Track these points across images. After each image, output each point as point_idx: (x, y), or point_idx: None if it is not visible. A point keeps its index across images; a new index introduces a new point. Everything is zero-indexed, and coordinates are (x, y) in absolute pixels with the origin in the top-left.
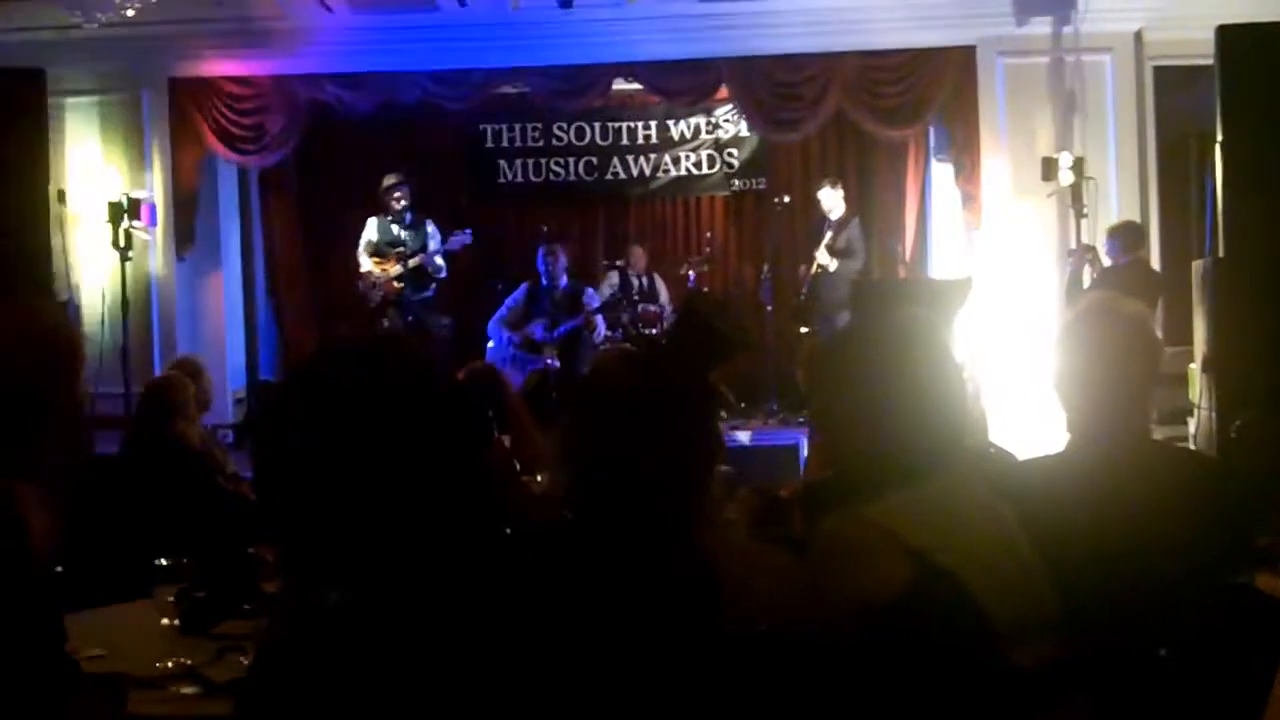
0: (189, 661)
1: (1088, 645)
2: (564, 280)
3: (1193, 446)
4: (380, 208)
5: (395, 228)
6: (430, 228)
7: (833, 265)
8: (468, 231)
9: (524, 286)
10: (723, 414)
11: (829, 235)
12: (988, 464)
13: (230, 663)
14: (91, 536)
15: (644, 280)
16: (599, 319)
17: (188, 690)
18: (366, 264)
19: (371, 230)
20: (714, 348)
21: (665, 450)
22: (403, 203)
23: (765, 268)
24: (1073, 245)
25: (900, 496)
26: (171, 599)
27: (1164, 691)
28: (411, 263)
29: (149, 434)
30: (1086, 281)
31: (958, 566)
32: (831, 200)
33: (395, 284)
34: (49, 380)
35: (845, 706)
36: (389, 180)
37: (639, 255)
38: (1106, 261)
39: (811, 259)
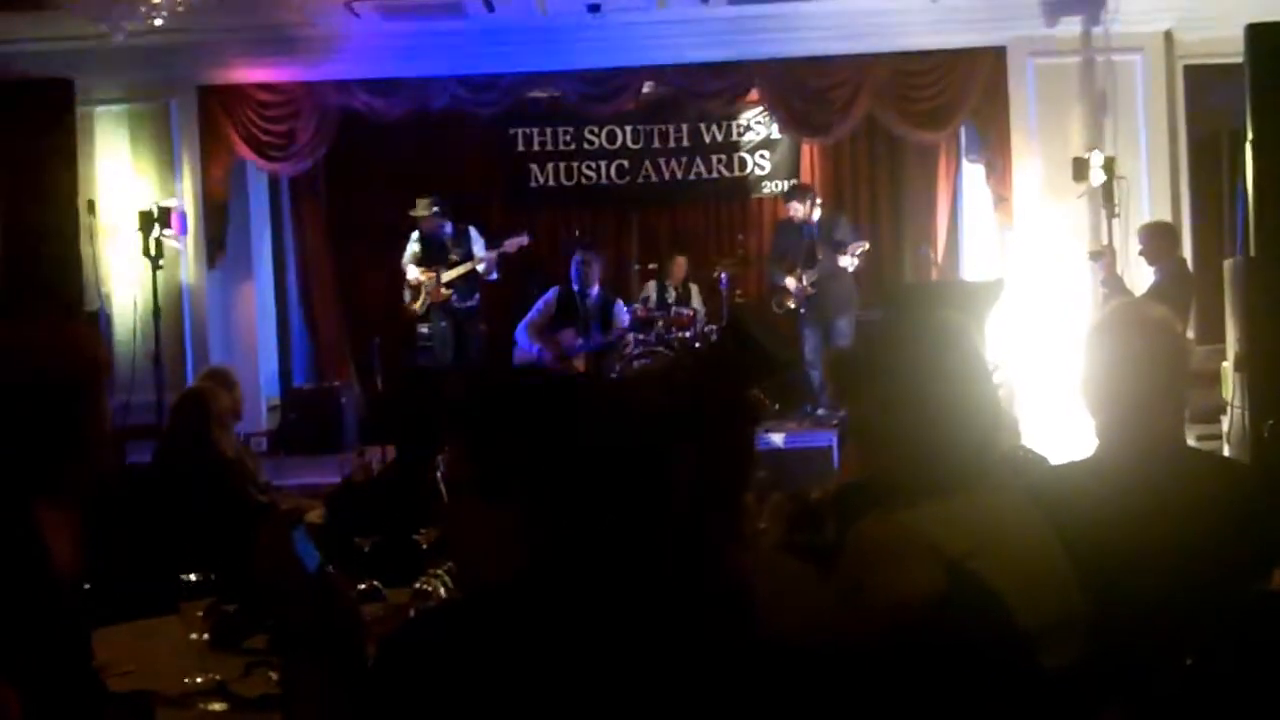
0: (218, 677)
1: (1117, 651)
2: (595, 290)
3: (1226, 445)
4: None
5: (440, 237)
6: (473, 233)
7: (853, 265)
8: (524, 234)
9: (553, 291)
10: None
11: (843, 238)
12: (1019, 468)
13: (259, 678)
14: (124, 548)
15: (680, 290)
16: (631, 337)
17: (216, 707)
18: (414, 273)
19: (415, 242)
20: (757, 365)
21: (701, 465)
22: (439, 220)
23: (797, 270)
24: (1102, 244)
25: (934, 504)
26: (200, 613)
27: (1192, 699)
28: (461, 269)
29: (182, 445)
30: (1125, 282)
31: (990, 573)
32: (803, 210)
33: (444, 290)
34: (72, 401)
35: (878, 713)
36: (424, 209)
37: (679, 266)
38: (1131, 262)
39: (794, 271)
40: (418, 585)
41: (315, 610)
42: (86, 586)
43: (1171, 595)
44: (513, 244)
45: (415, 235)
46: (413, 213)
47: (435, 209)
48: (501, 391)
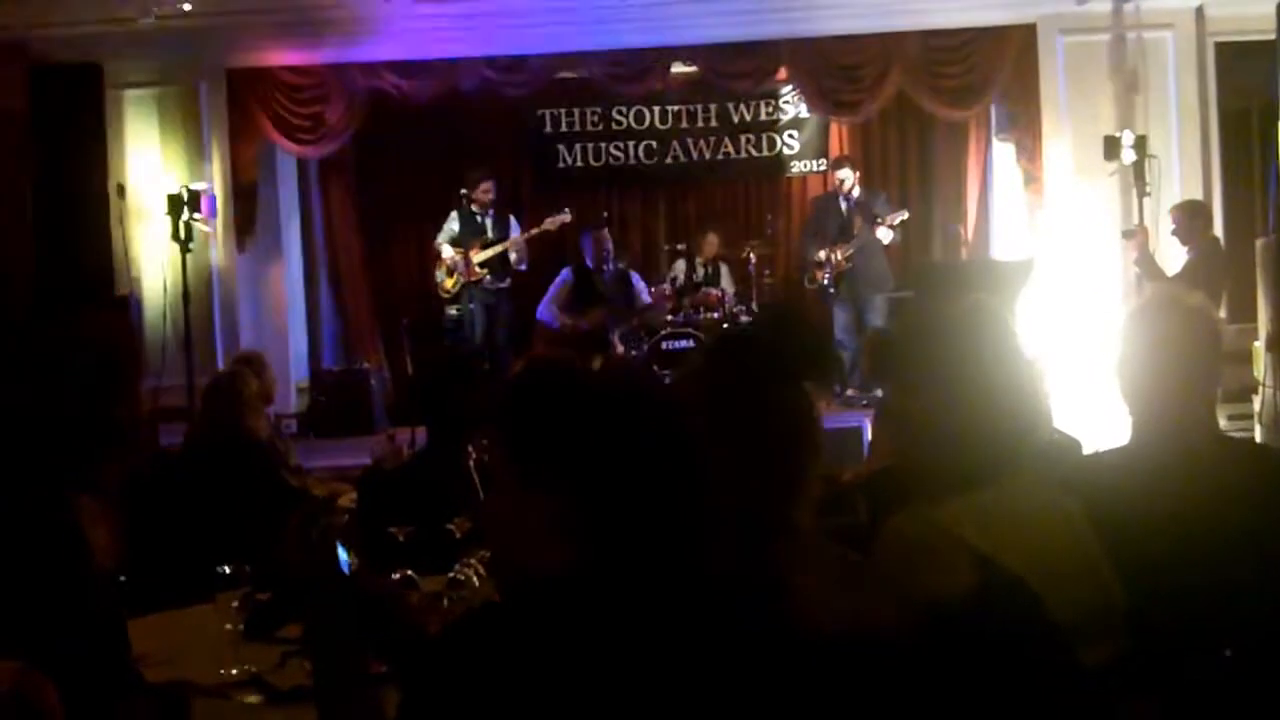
0: (253, 668)
1: (1155, 644)
2: (610, 264)
3: (1257, 424)
4: (460, 201)
5: (479, 218)
6: (513, 221)
7: (890, 237)
8: (564, 211)
9: (567, 270)
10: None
11: (881, 211)
12: (1053, 456)
13: (294, 668)
14: (157, 535)
15: (709, 268)
16: (659, 315)
17: (251, 699)
18: (449, 251)
19: (454, 220)
20: (808, 363)
21: (747, 455)
22: (490, 195)
23: (832, 245)
24: (1134, 224)
25: (967, 498)
26: (235, 603)
27: (1231, 691)
28: (496, 248)
29: (213, 430)
30: (1158, 261)
31: (1024, 569)
32: (850, 179)
33: (478, 269)
34: (107, 395)
35: (912, 709)
36: (475, 174)
37: (710, 243)
38: (1163, 241)
39: (830, 246)
40: (452, 574)
41: (351, 608)
42: (122, 578)
43: (1209, 585)
44: (554, 221)
45: (454, 215)
46: (465, 191)
47: (485, 174)
48: (541, 381)
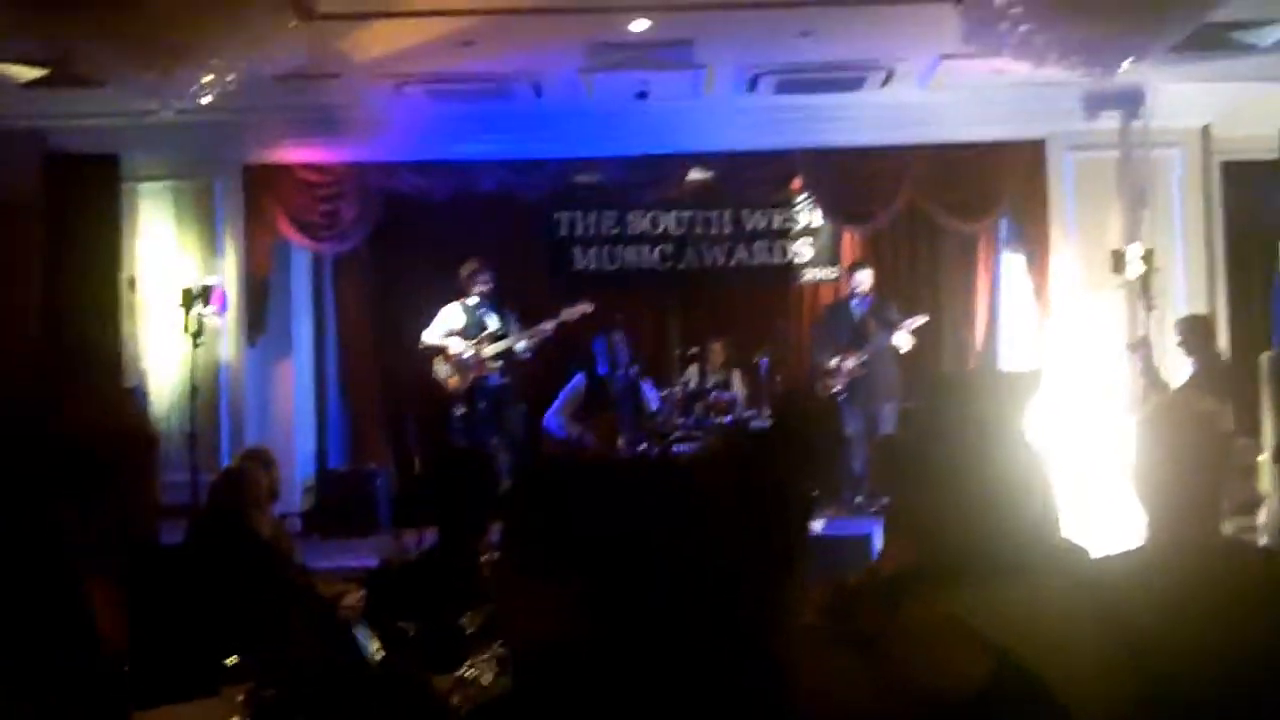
0: None
1: None
2: (622, 372)
3: (1263, 538)
4: (459, 294)
5: (479, 312)
6: (510, 315)
7: (907, 344)
8: (585, 301)
9: (579, 376)
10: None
11: (895, 317)
12: (1063, 558)
13: None
14: (161, 628)
15: (720, 375)
16: (676, 421)
17: None
18: (458, 345)
19: (454, 317)
20: (807, 458)
21: (750, 556)
22: (488, 286)
23: (845, 352)
24: (1139, 336)
25: (980, 593)
26: (241, 698)
27: None
28: (506, 342)
29: (219, 525)
30: (1161, 374)
31: (1037, 665)
32: (869, 281)
33: (489, 364)
34: (123, 475)
35: None
36: (471, 266)
37: (718, 351)
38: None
39: (843, 353)
40: (462, 672)
41: (370, 694)
42: (127, 668)
43: (1221, 690)
44: (573, 311)
45: (454, 310)
46: (475, 286)
47: (481, 265)
48: (553, 473)
